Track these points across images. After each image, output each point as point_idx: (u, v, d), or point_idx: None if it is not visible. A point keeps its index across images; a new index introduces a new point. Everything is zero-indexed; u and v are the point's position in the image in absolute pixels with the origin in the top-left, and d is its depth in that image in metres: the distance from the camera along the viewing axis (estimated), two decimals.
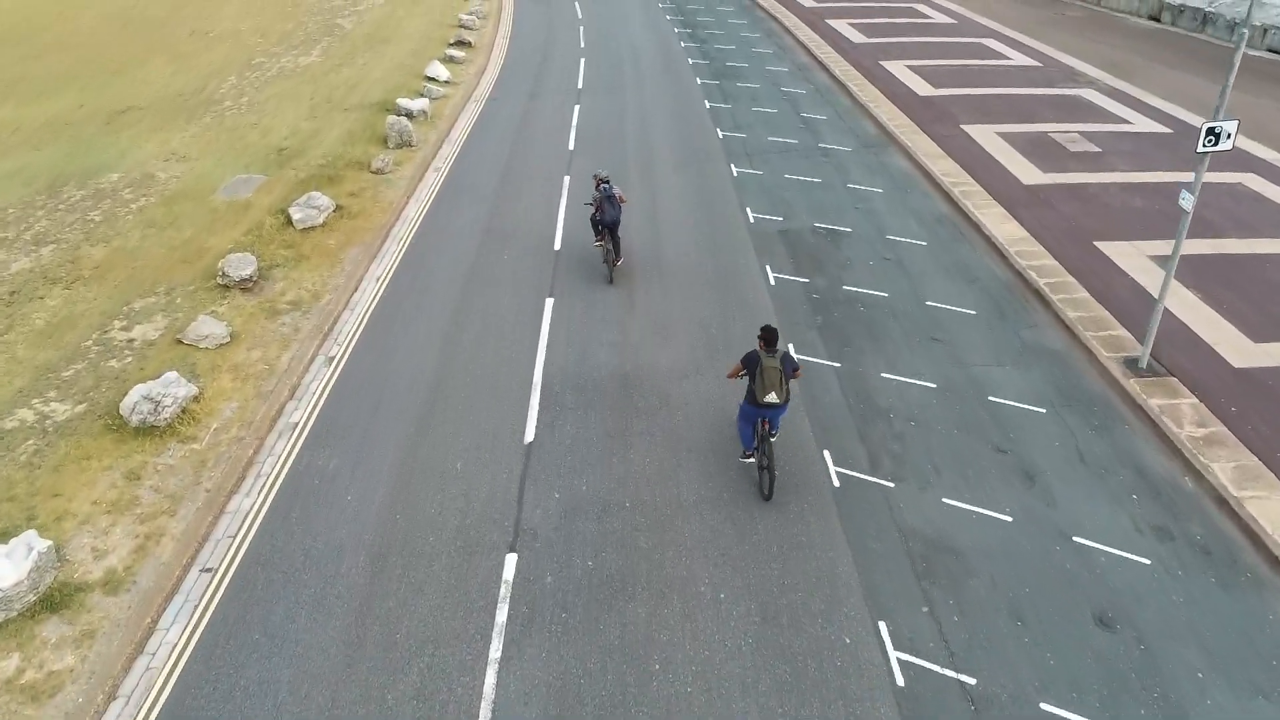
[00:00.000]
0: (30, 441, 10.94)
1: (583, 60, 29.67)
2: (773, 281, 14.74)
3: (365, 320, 13.89)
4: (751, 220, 17.08)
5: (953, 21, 34.01)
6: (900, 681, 7.83)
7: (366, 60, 29.31)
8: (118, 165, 20.10)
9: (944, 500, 9.88)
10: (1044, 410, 11.41)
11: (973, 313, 13.70)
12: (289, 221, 16.79)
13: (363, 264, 15.63)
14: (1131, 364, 12.07)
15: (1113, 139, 20.71)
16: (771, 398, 9.42)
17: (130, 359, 12.68)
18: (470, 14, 35.97)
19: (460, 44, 31.46)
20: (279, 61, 29.21)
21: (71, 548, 9.40)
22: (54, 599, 8.73)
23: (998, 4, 37.41)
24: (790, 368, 9.54)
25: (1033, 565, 9.00)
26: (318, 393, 12.12)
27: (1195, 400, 11.36)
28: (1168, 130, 21.36)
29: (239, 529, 9.77)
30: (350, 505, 10.04)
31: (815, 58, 29.13)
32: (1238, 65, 10.18)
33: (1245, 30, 10.04)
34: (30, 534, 9.04)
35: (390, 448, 10.96)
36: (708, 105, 24.33)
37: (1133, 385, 11.67)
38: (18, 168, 20.17)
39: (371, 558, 9.30)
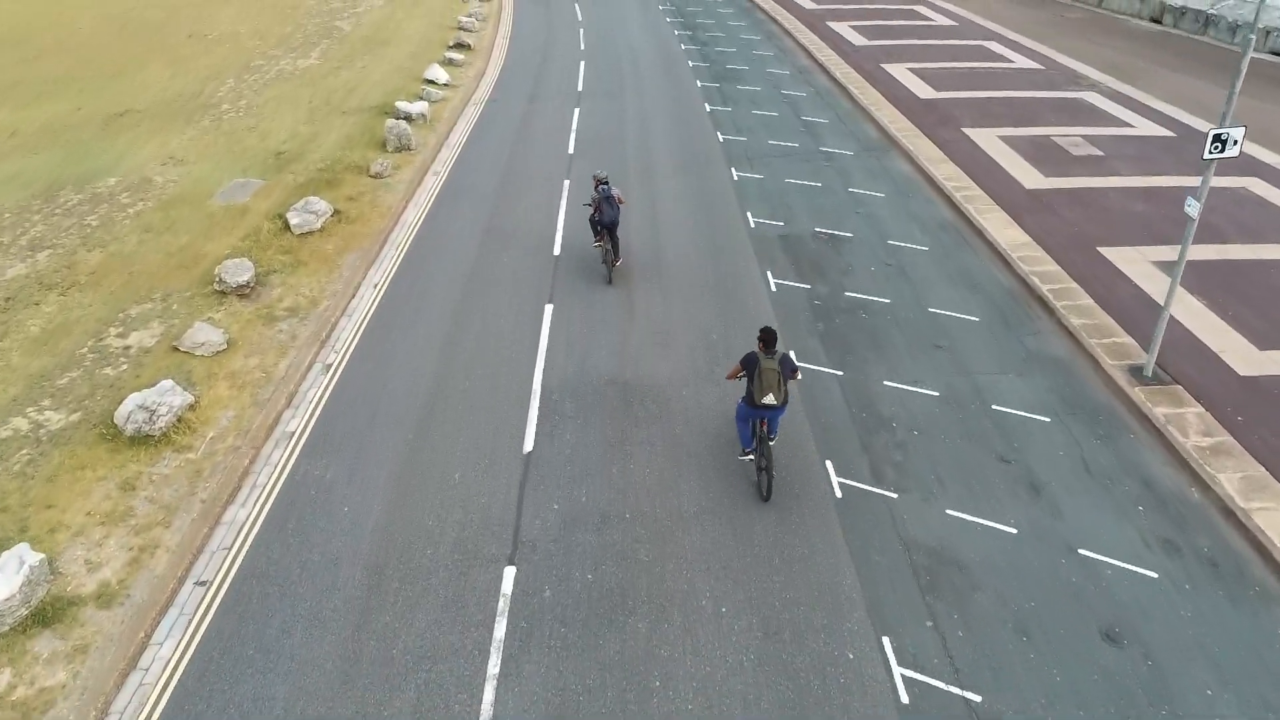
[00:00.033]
0: (24, 451, 10.83)
1: (582, 63, 29.57)
2: (774, 288, 14.62)
3: (363, 327, 13.77)
4: (752, 225, 16.96)
5: (953, 24, 33.91)
6: (905, 699, 7.71)
7: (365, 63, 29.21)
8: (115, 169, 19.99)
9: (948, 512, 9.76)
10: (1048, 419, 11.29)
11: (976, 320, 13.58)
12: (287, 226, 16.67)
13: (361, 269, 15.52)
14: (1136, 372, 11.95)
15: (1115, 142, 20.60)
16: (769, 399, 9.45)
17: (126, 366, 12.56)
18: (470, 16, 35.89)
19: (460, 46, 31.36)
20: (277, 64, 29.11)
21: (64, 560, 9.28)
22: (46, 613, 8.61)
23: (998, 6, 37.32)
24: (788, 369, 9.58)
25: (1038, 579, 8.88)
26: (315, 401, 12.00)
27: (1201, 409, 11.24)
28: (1170, 134, 21.25)
29: (234, 541, 9.66)
30: (347, 516, 9.92)
31: (816, 60, 29.03)
32: (1244, 70, 10.06)
33: (1252, 36, 9.93)
34: (22, 547, 8.92)
35: (388, 457, 10.85)
36: (708, 108, 24.22)
37: (1138, 394, 11.55)
38: (14, 172, 20.06)
39: (368, 570, 9.18)
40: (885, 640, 8.25)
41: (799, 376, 9.88)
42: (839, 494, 10.08)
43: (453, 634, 8.43)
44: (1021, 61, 28.06)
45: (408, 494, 10.23)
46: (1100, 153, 19.95)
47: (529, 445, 11.00)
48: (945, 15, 35.53)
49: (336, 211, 17.44)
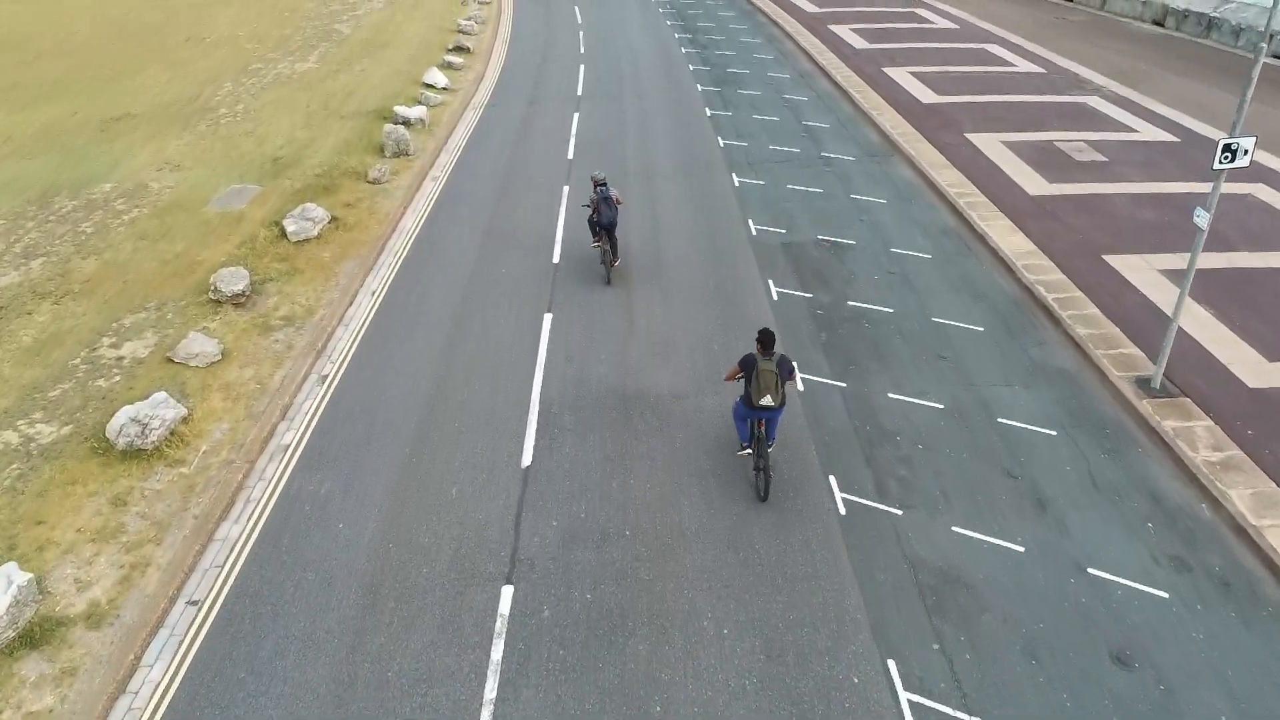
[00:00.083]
0: (14, 466, 10.66)
1: (582, 66, 29.40)
2: (775, 296, 14.45)
3: (360, 336, 13.60)
4: (753, 232, 16.79)
5: (955, 27, 33.73)
6: None
7: (364, 66, 29.04)
8: (111, 175, 19.82)
9: (954, 529, 9.59)
10: (1055, 432, 11.12)
11: (980, 329, 13.41)
12: (283, 234, 16.50)
13: (358, 277, 15.35)
14: (1144, 384, 11.77)
15: (1119, 148, 20.43)
16: (767, 400, 9.48)
17: (119, 378, 12.39)
18: (469, 19, 35.72)
19: (459, 49, 31.19)
20: (275, 68, 28.94)
21: (53, 579, 9.11)
22: (34, 634, 8.43)
23: (1000, 8, 37.16)
24: (786, 371, 9.58)
25: (1047, 599, 8.70)
26: (310, 413, 11.83)
27: (1210, 422, 11.06)
28: (1175, 139, 21.08)
29: (227, 558, 9.48)
30: (342, 533, 9.74)
31: (817, 64, 28.87)
32: (1256, 79, 9.89)
33: (1263, 45, 9.76)
34: (10, 566, 8.75)
35: (384, 471, 10.67)
36: (708, 113, 24.05)
37: (1145, 406, 11.37)
38: (9, 178, 19.88)
39: (363, 590, 9.00)
40: (891, 663, 8.07)
41: (797, 378, 9.74)
42: (842, 510, 9.90)
43: (449, 656, 8.25)
44: (1023, 65, 27.89)
45: (404, 509, 10.05)
46: (1104, 158, 19.78)
47: (527, 459, 10.83)
48: (946, 18, 35.36)
49: (334, 218, 17.27)
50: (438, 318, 14.06)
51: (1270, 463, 10.34)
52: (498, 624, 8.57)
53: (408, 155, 21.03)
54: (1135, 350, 12.60)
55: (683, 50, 31.42)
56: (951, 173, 19.22)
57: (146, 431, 10.82)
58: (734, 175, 19.58)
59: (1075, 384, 12.13)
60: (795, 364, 11.93)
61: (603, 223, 14.45)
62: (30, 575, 8.75)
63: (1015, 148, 20.50)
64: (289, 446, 11.18)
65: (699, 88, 26.47)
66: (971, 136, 21.33)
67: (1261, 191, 17.85)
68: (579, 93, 26.28)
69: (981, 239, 16.32)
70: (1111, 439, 11.04)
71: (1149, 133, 21.50)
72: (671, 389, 12.11)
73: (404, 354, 13.08)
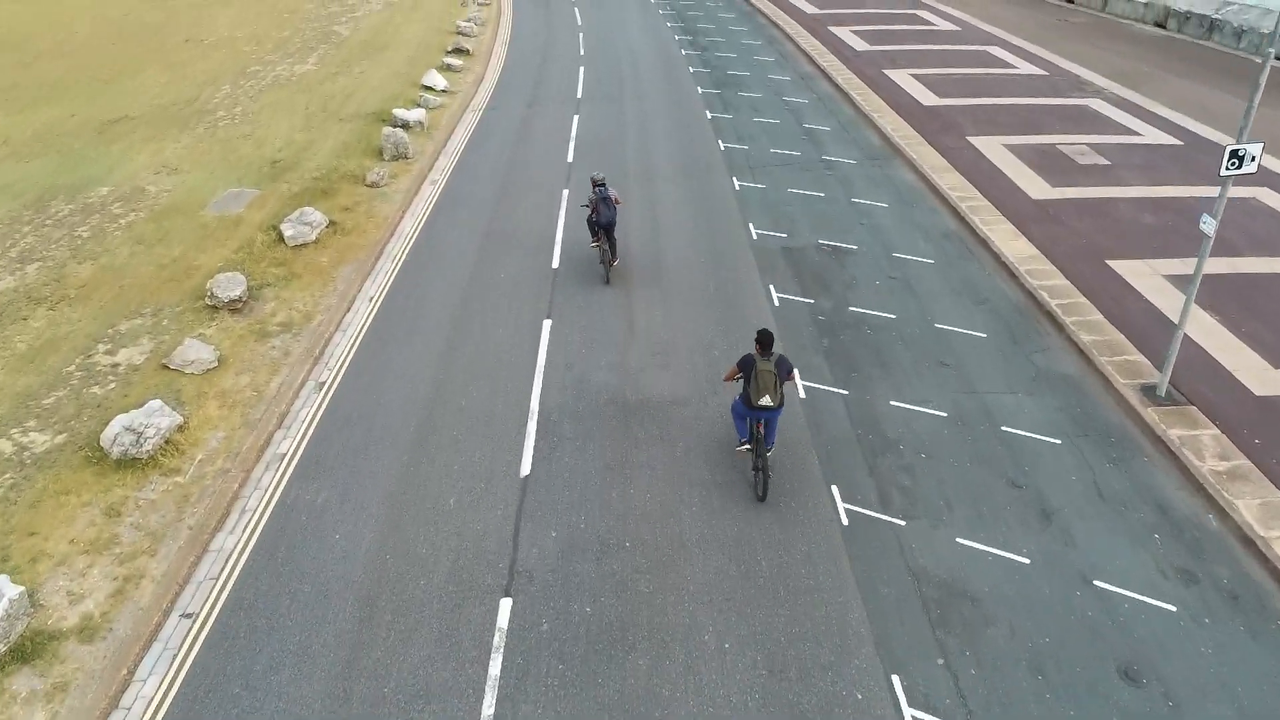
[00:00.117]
0: (7, 475, 10.53)
1: (582, 68, 29.29)
2: (776, 302, 14.33)
3: (357, 343, 13.48)
4: (754, 236, 16.68)
5: (956, 29, 33.62)
6: None
7: (363, 68, 28.92)
8: (108, 178, 19.70)
9: (958, 540, 9.47)
10: (1059, 441, 11.00)
11: (983, 336, 13.29)
12: (280, 238, 16.38)
13: (356, 283, 15.23)
14: (1149, 392, 11.66)
15: (1122, 151, 20.32)
16: (765, 401, 9.50)
17: (114, 385, 12.26)
18: (469, 20, 35.61)
19: (458, 51, 31.08)
20: (274, 70, 28.82)
21: (46, 591, 8.98)
22: (25, 649, 8.31)
23: (1001, 10, 37.05)
24: (785, 371, 9.59)
25: (1053, 612, 8.58)
26: (307, 421, 11.70)
27: (1216, 431, 10.95)
28: (1178, 142, 20.97)
29: (221, 570, 9.36)
30: (338, 544, 9.62)
31: (818, 66, 28.76)
32: (1264, 85, 9.77)
33: (1270, 50, 9.64)
34: (2, 579, 8.62)
35: (381, 481, 10.55)
36: (709, 115, 23.93)
37: (1151, 415, 11.25)
38: (6, 181, 19.76)
39: (360, 602, 8.88)
40: (895, 679, 7.95)
41: (797, 378, 9.66)
42: (845, 521, 9.78)
43: (446, 671, 8.13)
44: (1025, 67, 27.78)
45: (401, 520, 9.93)
46: (1107, 161, 19.67)
47: (526, 468, 10.71)
48: (947, 20, 35.26)
49: (332, 222, 17.15)
50: (436, 322, 13.94)
51: (1277, 472, 10.22)
52: (496, 638, 8.45)
53: (406, 158, 20.91)
54: (1140, 357, 12.48)
55: (683, 52, 31.31)
56: (953, 176, 19.10)
57: (141, 440, 10.70)
58: (734, 178, 19.46)
59: (1079, 391, 12.02)
60: (795, 366, 11.84)
61: (601, 222, 14.45)
62: (22, 588, 8.64)
63: (1017, 151, 20.39)
64: (285, 455, 11.05)
65: (699, 90, 26.35)
66: (973, 139, 21.21)
67: (1266, 195, 17.74)
68: (579, 95, 26.17)
69: (984, 243, 16.21)
70: (1117, 448, 10.92)
71: (1151, 135, 21.39)
72: (672, 395, 11.99)
73: (402, 360, 12.97)
